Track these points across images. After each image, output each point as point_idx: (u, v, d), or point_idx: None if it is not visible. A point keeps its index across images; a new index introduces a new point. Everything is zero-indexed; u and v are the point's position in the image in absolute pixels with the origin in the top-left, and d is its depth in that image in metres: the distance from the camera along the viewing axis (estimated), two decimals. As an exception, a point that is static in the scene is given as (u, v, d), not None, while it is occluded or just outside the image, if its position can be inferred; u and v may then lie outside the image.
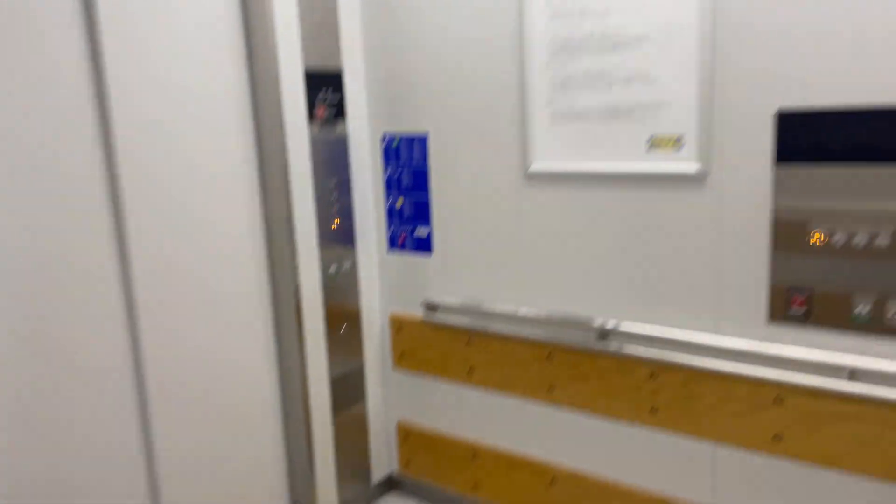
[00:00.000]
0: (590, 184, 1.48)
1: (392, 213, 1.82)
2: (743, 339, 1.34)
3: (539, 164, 1.53)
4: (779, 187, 1.25)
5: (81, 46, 1.27)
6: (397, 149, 1.77)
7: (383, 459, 1.97)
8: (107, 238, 1.35)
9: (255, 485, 1.69)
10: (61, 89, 1.26)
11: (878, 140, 1.15)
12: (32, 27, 1.21)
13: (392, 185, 1.81)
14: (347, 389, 1.81)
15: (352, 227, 1.76)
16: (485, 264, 1.68)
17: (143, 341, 1.40)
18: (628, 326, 1.47)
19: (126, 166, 1.34)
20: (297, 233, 1.60)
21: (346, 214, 1.74)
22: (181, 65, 1.42)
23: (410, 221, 1.79)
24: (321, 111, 1.63)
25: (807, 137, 1.21)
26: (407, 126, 1.74)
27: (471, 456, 1.81)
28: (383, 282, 1.89)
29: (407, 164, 1.76)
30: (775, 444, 1.33)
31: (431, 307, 1.78)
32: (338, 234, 1.73)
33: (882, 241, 1.18)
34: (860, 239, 1.19)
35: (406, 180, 1.77)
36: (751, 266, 1.31)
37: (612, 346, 1.49)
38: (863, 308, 1.21)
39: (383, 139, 1.79)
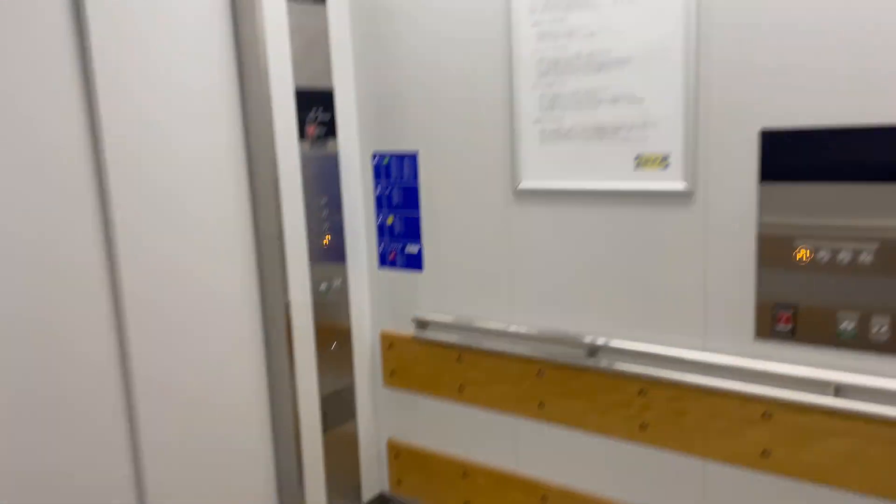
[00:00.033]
0: (578, 201, 1.49)
1: (382, 231, 1.83)
2: (731, 356, 1.35)
3: (528, 182, 1.54)
4: (764, 205, 1.27)
5: (71, 52, 1.28)
6: (387, 167, 1.78)
7: (374, 478, 1.96)
8: (96, 256, 1.35)
9: (245, 503, 1.68)
10: (52, 127, 1.26)
11: (860, 159, 1.17)
12: (21, 29, 1.21)
13: (382, 203, 1.82)
14: (338, 407, 1.80)
15: (342, 245, 1.77)
16: (475, 281, 1.69)
17: (132, 359, 1.40)
18: (618, 343, 1.48)
19: (117, 185, 1.34)
20: (287, 250, 1.61)
21: (337, 232, 1.75)
22: (173, 86, 1.43)
23: (401, 238, 1.80)
24: (312, 130, 1.64)
25: (790, 156, 1.23)
26: (397, 144, 1.75)
27: (462, 474, 1.80)
28: (374, 299, 1.89)
29: (397, 182, 1.78)
30: (764, 459, 1.34)
31: (422, 324, 1.78)
32: (328, 252, 1.73)
33: (866, 257, 1.19)
34: (844, 256, 1.21)
35: (396, 198, 1.79)
36: (737, 283, 1.32)
37: (602, 362, 1.50)
38: (848, 324, 1.23)
39: (374, 157, 1.80)
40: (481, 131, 1.60)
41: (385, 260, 1.84)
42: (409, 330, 1.82)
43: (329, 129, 1.69)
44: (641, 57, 1.35)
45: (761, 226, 1.28)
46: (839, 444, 1.25)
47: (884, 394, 1.20)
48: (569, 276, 1.54)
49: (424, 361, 1.81)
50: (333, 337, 1.77)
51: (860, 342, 1.22)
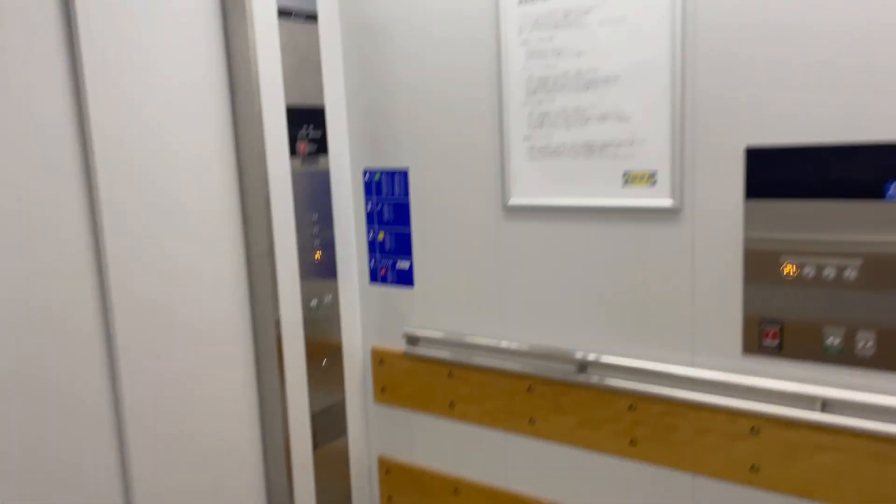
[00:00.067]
0: (568, 218, 1.51)
1: (373, 247, 1.84)
2: (719, 371, 1.36)
3: (518, 199, 1.56)
4: (750, 222, 1.29)
5: (64, 81, 1.29)
6: (378, 183, 1.79)
7: (364, 495, 1.95)
8: (85, 272, 1.35)
9: (234, 522, 1.67)
10: (45, 144, 1.27)
11: (843, 176, 1.19)
12: (8, 26, 1.22)
13: (373, 219, 1.82)
14: (328, 424, 1.80)
15: (333, 261, 1.77)
16: (466, 297, 1.70)
17: (121, 377, 1.39)
18: (608, 359, 1.48)
19: (107, 203, 1.34)
20: (278, 266, 1.61)
21: (328, 248, 1.75)
22: (162, 105, 1.43)
23: (392, 254, 1.81)
24: (303, 147, 1.65)
25: (776, 173, 1.25)
26: (388, 161, 1.76)
27: (453, 490, 1.80)
28: (365, 315, 1.89)
29: (388, 198, 1.78)
30: (753, 474, 1.34)
31: (413, 340, 1.79)
32: (319, 268, 1.73)
33: (850, 273, 1.21)
34: (829, 271, 1.23)
35: (387, 214, 1.79)
36: (725, 298, 1.34)
37: (593, 378, 1.50)
38: (834, 339, 1.24)
39: (365, 174, 1.81)
40: (472, 148, 1.61)
41: (376, 276, 1.85)
42: (400, 346, 1.82)
43: (320, 146, 1.70)
44: (628, 75, 1.37)
45: (748, 242, 1.30)
46: (826, 459, 1.26)
47: (870, 409, 1.21)
48: (559, 291, 1.55)
49: (415, 377, 1.81)
50: (324, 353, 1.77)
51: (846, 357, 1.23)
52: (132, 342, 1.40)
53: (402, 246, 1.78)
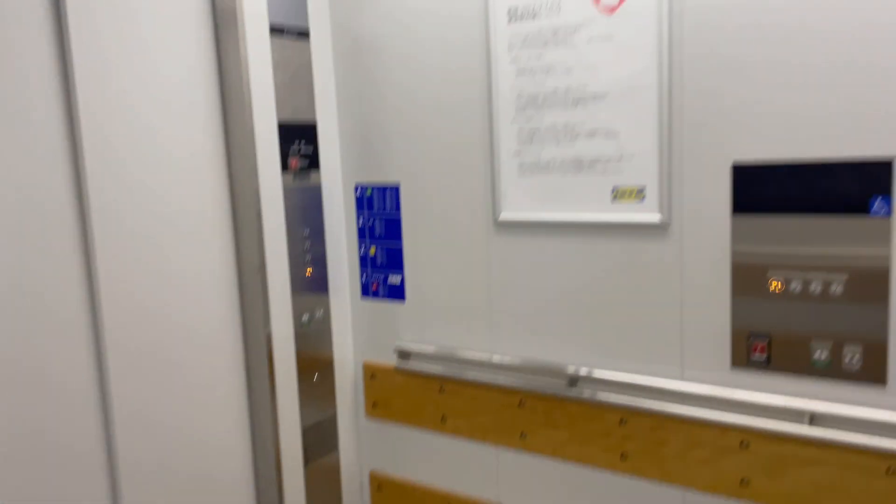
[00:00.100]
0: (558, 233, 1.52)
1: (365, 261, 1.84)
2: (708, 385, 1.36)
3: (508, 214, 1.57)
4: (737, 237, 1.30)
5: (55, 88, 1.30)
6: (370, 198, 1.80)
7: (356, 510, 1.94)
8: (77, 286, 1.35)
9: (225, 539, 1.65)
10: (37, 147, 1.27)
11: (828, 191, 1.21)
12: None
13: (365, 234, 1.83)
14: (320, 439, 1.79)
15: (325, 276, 1.78)
16: (457, 311, 1.70)
17: (112, 390, 1.39)
18: (598, 373, 1.49)
19: (98, 214, 1.35)
20: (269, 281, 1.61)
21: (320, 263, 1.76)
22: (155, 120, 1.44)
23: (383, 269, 1.81)
24: (294, 162, 1.66)
25: (762, 189, 1.27)
26: (379, 177, 1.77)
27: (444, 505, 1.79)
28: (356, 330, 1.89)
29: (380, 214, 1.79)
30: (742, 488, 1.35)
31: (404, 355, 1.79)
32: (311, 283, 1.74)
33: (836, 287, 1.22)
34: (816, 286, 1.24)
35: (379, 229, 1.80)
36: (713, 313, 1.35)
37: (584, 392, 1.51)
38: (821, 353, 1.25)
39: (356, 189, 1.82)
40: (462, 164, 1.63)
41: (367, 290, 1.85)
42: (391, 361, 1.82)
43: (312, 162, 1.71)
44: (617, 92, 1.39)
45: (735, 256, 1.31)
46: (815, 472, 1.26)
47: (857, 422, 1.22)
48: (549, 306, 1.55)
49: (407, 392, 1.81)
50: (315, 368, 1.77)
51: (834, 371, 1.24)
52: (122, 357, 1.40)
53: (394, 260, 1.79)
